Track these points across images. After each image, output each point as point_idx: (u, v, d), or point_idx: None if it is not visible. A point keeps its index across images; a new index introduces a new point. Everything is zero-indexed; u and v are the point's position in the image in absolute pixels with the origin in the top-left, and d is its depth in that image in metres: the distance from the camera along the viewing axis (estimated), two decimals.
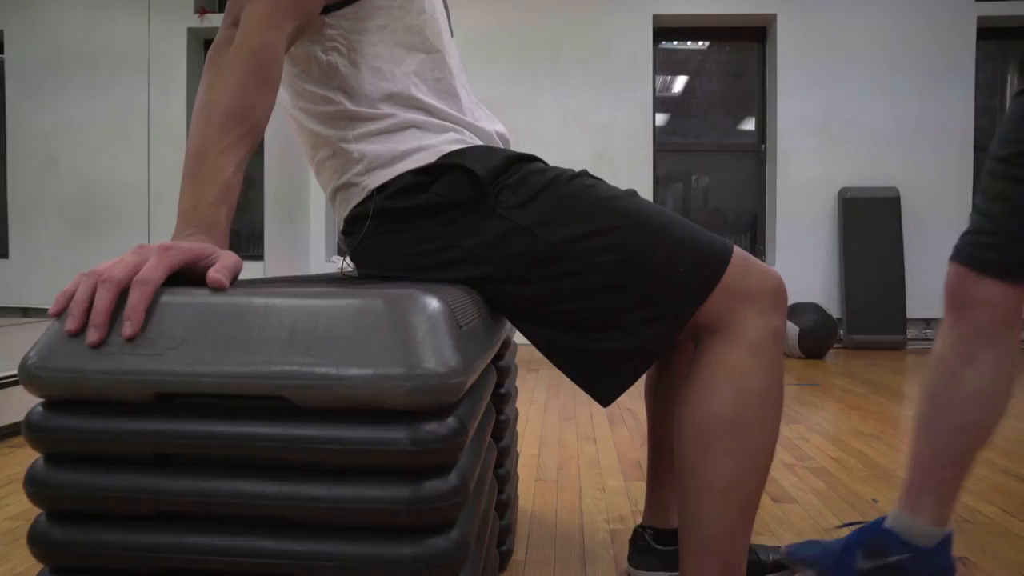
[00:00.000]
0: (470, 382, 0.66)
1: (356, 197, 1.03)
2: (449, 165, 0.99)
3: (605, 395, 0.99)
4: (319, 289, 0.69)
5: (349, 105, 1.01)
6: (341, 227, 1.10)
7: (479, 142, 1.07)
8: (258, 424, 0.62)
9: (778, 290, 0.97)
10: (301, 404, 0.62)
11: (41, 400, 0.66)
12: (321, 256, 5.31)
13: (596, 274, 0.94)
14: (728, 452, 0.94)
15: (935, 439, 1.21)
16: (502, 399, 1.25)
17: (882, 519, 1.22)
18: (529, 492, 1.85)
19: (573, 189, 0.98)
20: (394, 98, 1.01)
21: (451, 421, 0.63)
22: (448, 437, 0.62)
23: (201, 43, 5.72)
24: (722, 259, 0.95)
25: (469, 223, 0.97)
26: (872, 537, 1.21)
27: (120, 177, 5.59)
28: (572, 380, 1.01)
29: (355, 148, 1.01)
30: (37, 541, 0.64)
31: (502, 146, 1.15)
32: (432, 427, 0.62)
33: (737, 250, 0.97)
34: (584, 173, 1.01)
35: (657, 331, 0.95)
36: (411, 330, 0.63)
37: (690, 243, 0.96)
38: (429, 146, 1.01)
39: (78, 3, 5.62)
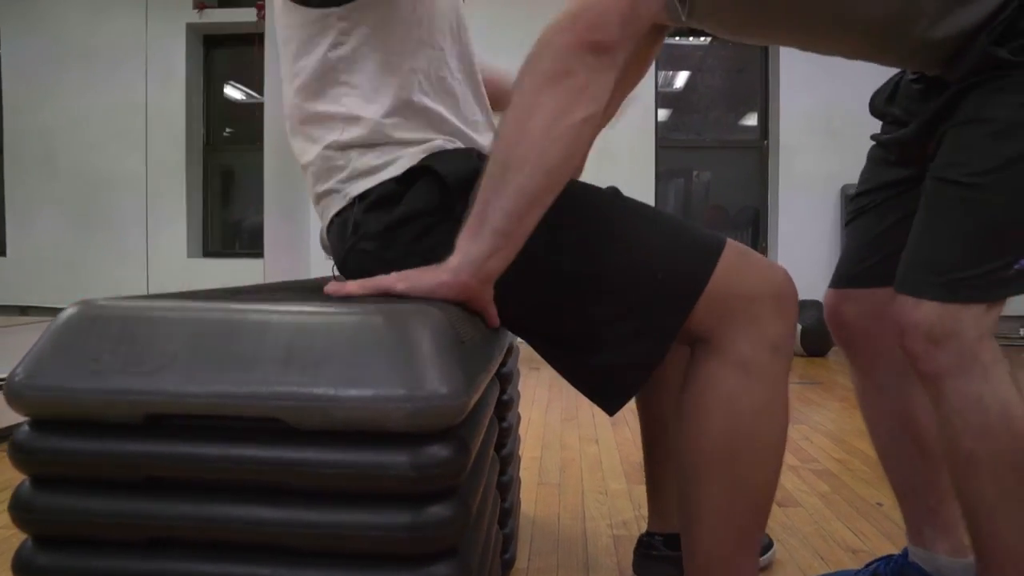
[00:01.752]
0: (473, 401, 0.64)
1: (337, 204, 0.99)
2: (422, 171, 0.93)
3: (606, 407, 0.95)
4: (316, 306, 0.66)
5: (344, 108, 0.96)
6: (323, 235, 1.06)
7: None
8: (253, 447, 0.60)
9: (780, 292, 0.89)
10: (298, 426, 0.59)
11: (27, 419, 0.63)
12: (322, 255, 5.28)
13: (571, 286, 0.88)
14: (717, 480, 0.88)
15: (893, 470, 1.19)
16: (505, 405, 1.23)
17: (907, 551, 1.19)
18: (531, 497, 1.83)
19: None
20: (393, 100, 0.96)
21: (454, 443, 0.61)
22: (451, 460, 0.60)
23: (200, 38, 5.68)
24: (708, 263, 0.86)
25: (441, 234, 0.88)
26: (900, 571, 1.17)
27: (118, 173, 5.55)
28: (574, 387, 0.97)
29: (341, 154, 0.97)
30: (22, 567, 0.62)
31: None
32: (434, 450, 0.59)
33: (731, 248, 0.88)
34: None
35: (644, 347, 0.88)
36: (411, 349, 0.60)
37: (671, 247, 0.88)
38: (410, 153, 0.95)
39: None
